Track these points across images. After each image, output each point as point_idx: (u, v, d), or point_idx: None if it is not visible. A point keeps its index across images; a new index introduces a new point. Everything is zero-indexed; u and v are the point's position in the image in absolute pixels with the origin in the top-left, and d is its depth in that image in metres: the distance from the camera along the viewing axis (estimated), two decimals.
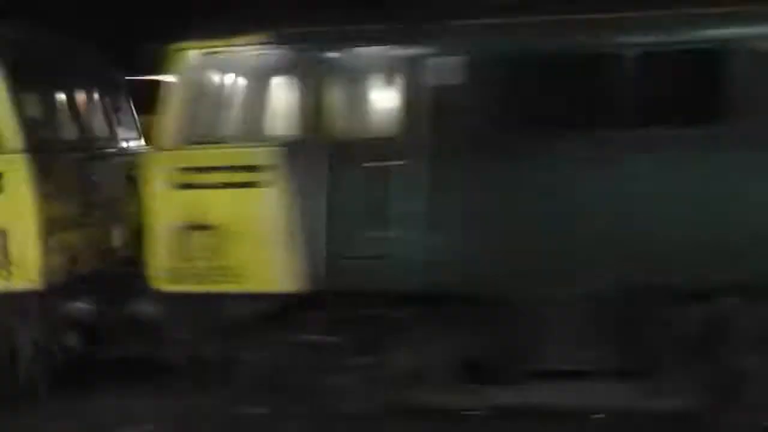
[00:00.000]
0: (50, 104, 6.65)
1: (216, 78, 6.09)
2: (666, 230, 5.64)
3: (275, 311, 6.14)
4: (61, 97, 6.71)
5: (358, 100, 5.98)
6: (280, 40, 5.93)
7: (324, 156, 5.90)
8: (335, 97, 5.91)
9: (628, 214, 5.66)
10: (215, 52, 6.01)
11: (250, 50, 5.97)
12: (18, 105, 6.42)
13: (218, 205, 6.05)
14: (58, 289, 6.51)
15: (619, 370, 5.96)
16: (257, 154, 5.99)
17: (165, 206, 6.14)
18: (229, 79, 6.11)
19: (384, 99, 5.92)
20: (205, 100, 6.08)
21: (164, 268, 6.14)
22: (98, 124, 6.82)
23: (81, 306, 6.62)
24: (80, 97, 6.84)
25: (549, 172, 5.70)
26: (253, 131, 6.12)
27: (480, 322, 5.97)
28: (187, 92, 6.03)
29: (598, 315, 5.85)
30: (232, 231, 6.05)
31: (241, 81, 6.14)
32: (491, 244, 5.76)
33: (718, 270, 5.52)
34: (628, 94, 5.67)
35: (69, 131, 6.71)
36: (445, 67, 5.76)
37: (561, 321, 5.91)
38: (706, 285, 5.56)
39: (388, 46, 5.84)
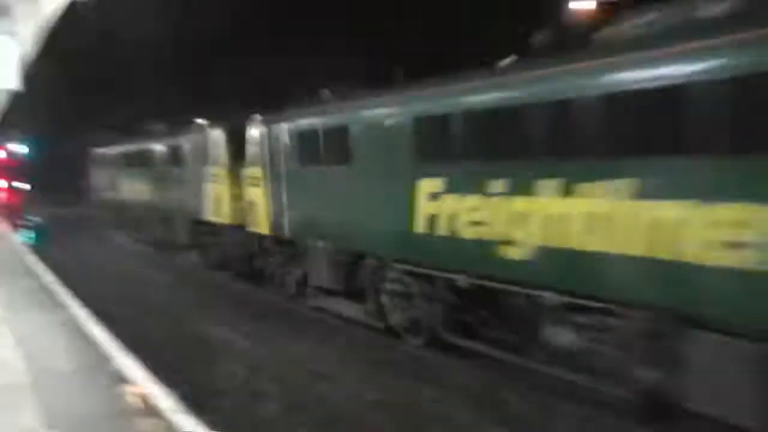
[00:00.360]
0: (237, 146, 15.77)
1: (251, 135, 14.18)
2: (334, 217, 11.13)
3: (264, 241, 14.06)
4: (241, 141, 15.77)
5: (270, 150, 13.18)
6: (256, 122, 13.71)
7: (268, 175, 13.45)
8: (265, 147, 13.35)
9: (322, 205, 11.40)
10: (247, 123, 14.19)
11: (248, 124, 13.94)
12: (227, 147, 15.90)
13: (253, 193, 14.26)
14: (238, 225, 15.75)
15: (350, 293, 11.69)
16: (257, 172, 13.93)
17: (244, 192, 14.72)
18: (251, 136, 14.13)
19: (270, 148, 13.00)
20: (248, 145, 14.29)
21: (245, 219, 14.75)
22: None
23: (242, 233, 15.71)
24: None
25: (314, 183, 11.87)
26: (255, 161, 13.96)
27: (300, 256, 12.62)
28: (246, 141, 14.40)
29: (338, 260, 11.69)
30: (255, 204, 14.20)
31: (254, 137, 14.04)
32: (301, 218, 12.34)
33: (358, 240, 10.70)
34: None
35: (240, 157, 15.74)
36: (284, 133, 12.57)
37: (324, 260, 11.98)
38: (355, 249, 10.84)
39: (268, 125, 12.92)
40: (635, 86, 6.19)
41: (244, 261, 15.51)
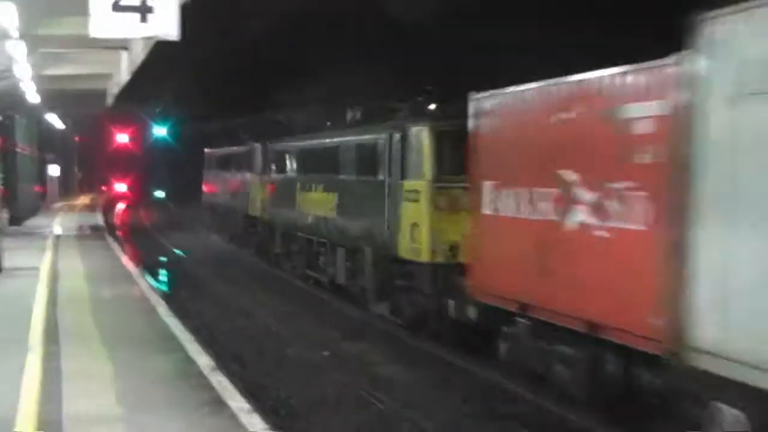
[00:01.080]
0: (264, 157, 25.53)
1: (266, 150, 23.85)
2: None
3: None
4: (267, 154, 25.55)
5: (267, 162, 22.71)
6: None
7: (267, 179, 23.13)
8: (266, 159, 23.00)
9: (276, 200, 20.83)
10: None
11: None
12: (261, 158, 25.85)
13: (265, 191, 24.00)
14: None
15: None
16: (266, 177, 23.62)
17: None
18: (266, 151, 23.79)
19: (267, 160, 22.53)
20: (264, 157, 23.98)
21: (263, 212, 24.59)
22: None
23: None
24: None
25: (285, 186, 21.28)
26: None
27: (267, 233, 22.09)
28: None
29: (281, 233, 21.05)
30: (264, 200, 23.94)
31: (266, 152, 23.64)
32: (272, 208, 21.82)
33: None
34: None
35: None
36: (271, 150, 22.16)
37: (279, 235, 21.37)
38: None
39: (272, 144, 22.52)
40: (323, 145, 15.33)
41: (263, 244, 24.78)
